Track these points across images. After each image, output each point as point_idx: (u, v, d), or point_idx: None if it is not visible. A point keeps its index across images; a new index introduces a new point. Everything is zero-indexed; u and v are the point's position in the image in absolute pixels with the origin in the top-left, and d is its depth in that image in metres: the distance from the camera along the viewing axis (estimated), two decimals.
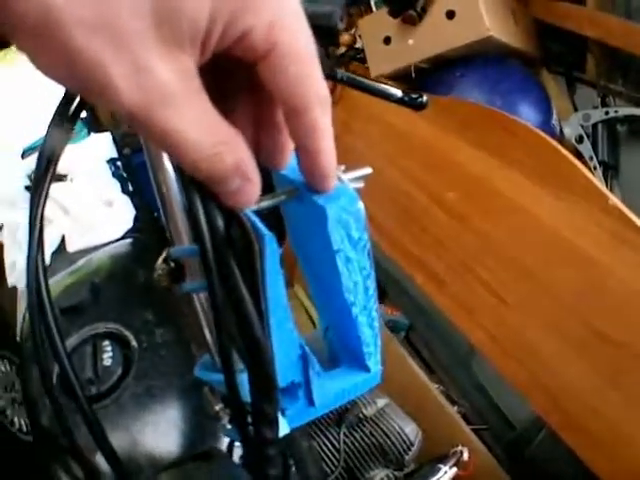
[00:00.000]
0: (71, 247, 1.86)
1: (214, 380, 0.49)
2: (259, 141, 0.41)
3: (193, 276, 0.44)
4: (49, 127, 0.48)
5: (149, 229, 1.78)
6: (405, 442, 1.31)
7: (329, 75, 0.67)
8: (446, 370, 1.99)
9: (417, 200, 1.58)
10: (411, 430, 1.34)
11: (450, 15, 1.79)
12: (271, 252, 0.39)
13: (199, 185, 0.37)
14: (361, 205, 0.44)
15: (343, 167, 0.46)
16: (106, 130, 2.28)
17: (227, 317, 0.41)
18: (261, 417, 0.44)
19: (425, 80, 1.96)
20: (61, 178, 1.98)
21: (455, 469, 1.28)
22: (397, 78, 1.99)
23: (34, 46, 0.31)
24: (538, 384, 1.32)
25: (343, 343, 0.54)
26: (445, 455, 1.31)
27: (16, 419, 2.43)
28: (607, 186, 1.93)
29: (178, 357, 0.89)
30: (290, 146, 0.43)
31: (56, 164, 0.49)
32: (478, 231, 1.46)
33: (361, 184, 0.46)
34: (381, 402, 1.37)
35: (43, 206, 0.47)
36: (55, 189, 1.98)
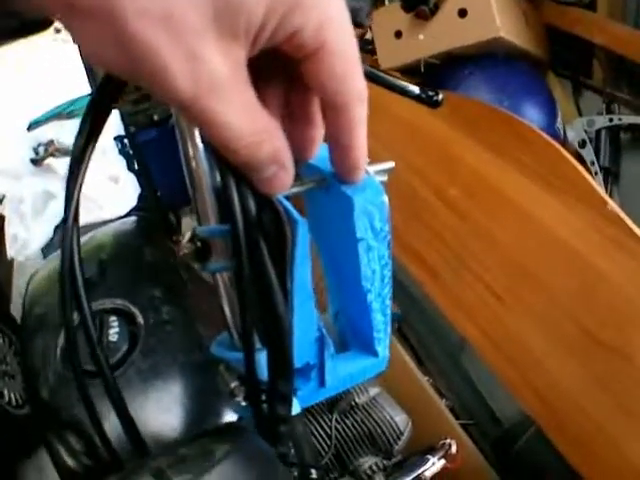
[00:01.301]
0: None
1: (231, 358, 0.50)
2: (290, 132, 0.43)
3: (219, 256, 0.46)
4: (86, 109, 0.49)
5: (153, 208, 1.78)
6: (395, 431, 1.33)
7: None
8: (436, 363, 2.00)
9: (420, 193, 1.59)
10: (401, 420, 1.35)
11: (462, 13, 1.81)
12: (302, 237, 0.41)
13: (234, 169, 0.39)
14: (385, 198, 0.46)
15: (368, 160, 0.47)
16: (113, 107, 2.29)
17: (251, 297, 0.43)
18: (277, 395, 0.46)
19: (434, 75, 1.98)
20: (68, 153, 2.00)
21: (443, 461, 1.29)
22: (406, 72, 2.01)
23: (88, 29, 0.33)
24: (527, 382, 1.34)
25: (354, 328, 0.56)
26: (433, 447, 1.33)
27: (6, 392, 2.44)
28: (607, 192, 1.95)
29: (184, 335, 0.90)
30: (320, 138, 0.45)
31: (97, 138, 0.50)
32: (478, 228, 1.47)
33: (385, 177, 0.48)
34: (373, 391, 1.38)
35: (82, 181, 0.49)
36: (61, 164, 2.00)
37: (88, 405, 0.57)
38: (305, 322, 0.46)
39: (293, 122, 0.44)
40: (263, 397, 0.49)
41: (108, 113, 0.48)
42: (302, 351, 0.47)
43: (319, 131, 0.45)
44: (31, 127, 2.45)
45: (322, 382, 0.52)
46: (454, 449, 1.32)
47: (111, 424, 0.60)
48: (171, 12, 0.31)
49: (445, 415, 1.72)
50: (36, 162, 2.06)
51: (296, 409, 0.50)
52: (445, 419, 1.71)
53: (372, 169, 0.47)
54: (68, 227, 0.49)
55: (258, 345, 0.47)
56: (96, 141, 0.49)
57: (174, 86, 0.33)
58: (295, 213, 0.41)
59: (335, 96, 0.40)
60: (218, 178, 0.45)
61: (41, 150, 2.07)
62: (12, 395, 2.44)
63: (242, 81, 0.36)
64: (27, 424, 2.44)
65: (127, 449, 0.61)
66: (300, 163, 0.43)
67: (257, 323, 0.45)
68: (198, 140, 0.45)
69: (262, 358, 0.46)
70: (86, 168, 0.48)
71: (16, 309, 2.83)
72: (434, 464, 1.27)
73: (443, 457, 1.30)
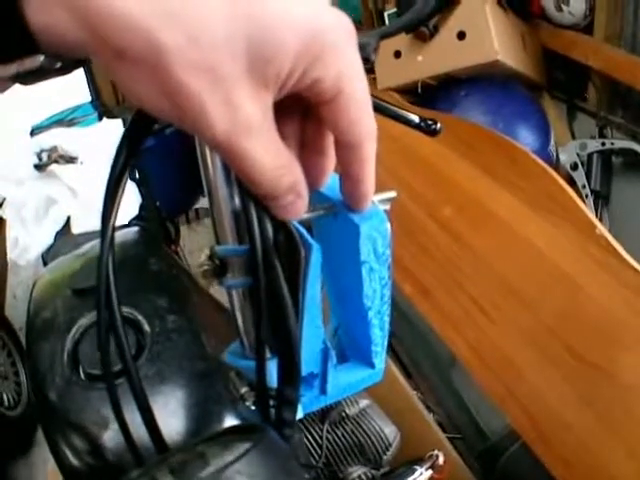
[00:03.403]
0: (76, 228, 1.90)
1: (243, 365, 0.55)
2: (303, 162, 0.47)
3: (235, 273, 0.50)
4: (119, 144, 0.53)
5: (153, 219, 1.82)
6: (384, 442, 1.35)
7: None
8: (426, 378, 2.02)
9: (412, 212, 1.62)
10: (390, 431, 1.37)
11: (461, 36, 1.85)
12: (315, 259, 0.46)
13: (255, 196, 0.44)
14: (388, 225, 0.51)
15: None
16: (115, 116, 2.32)
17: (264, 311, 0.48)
18: (284, 400, 0.51)
19: (430, 96, 2.02)
20: (71, 160, 2.03)
21: (430, 472, 1.32)
22: (403, 92, 2.05)
23: (134, 76, 0.37)
24: (514, 398, 1.37)
25: (354, 341, 0.60)
26: (421, 458, 1.35)
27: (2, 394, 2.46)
28: (597, 215, 1.98)
29: (189, 343, 0.94)
30: (331, 168, 0.50)
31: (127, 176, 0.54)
32: (468, 247, 1.51)
33: (388, 206, 0.53)
34: (363, 402, 1.40)
35: (116, 215, 0.53)
36: (64, 171, 2.03)
37: (115, 405, 0.61)
38: (313, 335, 0.51)
39: (307, 153, 0.49)
40: (271, 402, 0.53)
41: (139, 146, 0.52)
42: (308, 361, 0.52)
43: (331, 162, 0.49)
44: (34, 132, 2.48)
45: (324, 390, 0.56)
46: (441, 460, 1.35)
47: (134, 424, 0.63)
48: (213, 64, 0.36)
49: (433, 428, 1.74)
50: (40, 168, 2.09)
51: (299, 414, 0.55)
52: (433, 432, 1.73)
53: (377, 198, 0.52)
54: (104, 261, 0.53)
55: (268, 354, 0.52)
56: (128, 174, 0.53)
57: (212, 128, 0.38)
58: (309, 238, 0.46)
59: (349, 136, 0.44)
60: (237, 201, 0.49)
61: (44, 156, 2.10)
62: (5, 396, 2.47)
63: (269, 122, 0.41)
64: (20, 424, 2.46)
65: (146, 449, 0.64)
66: (311, 191, 0.48)
67: (268, 334, 0.50)
68: (219, 167, 0.49)
69: (271, 366, 0.51)
70: (120, 201, 0.53)
71: (7, 311, 2.84)
72: (421, 474, 1.29)
73: (430, 468, 1.32)
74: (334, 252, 0.53)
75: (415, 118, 0.80)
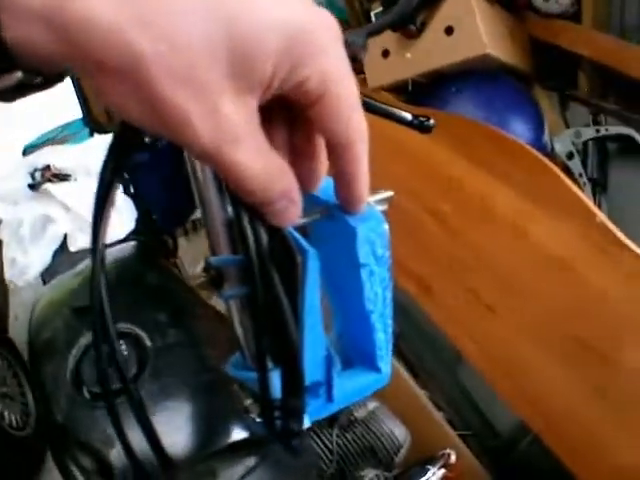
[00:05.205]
0: (73, 246, 1.89)
1: (246, 377, 0.54)
2: (295, 166, 0.46)
3: (232, 283, 0.49)
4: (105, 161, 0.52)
5: (150, 232, 1.81)
6: (395, 444, 1.35)
7: None
8: (433, 377, 2.02)
9: (411, 211, 1.61)
10: (400, 433, 1.37)
11: (449, 31, 1.84)
12: (312, 265, 0.45)
13: (247, 204, 0.43)
14: (386, 226, 0.50)
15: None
16: (107, 131, 2.31)
17: (263, 321, 0.47)
18: (289, 411, 0.50)
19: (421, 94, 2.01)
20: (65, 178, 2.02)
21: (443, 470, 1.31)
22: (393, 90, 2.04)
23: (116, 87, 0.36)
24: (523, 392, 1.36)
25: (358, 346, 0.59)
26: (433, 457, 1.35)
27: (6, 414, 2.45)
28: (595, 202, 1.97)
29: (191, 357, 0.93)
30: (323, 171, 0.49)
31: (115, 191, 0.53)
32: (469, 242, 1.50)
33: (385, 206, 0.52)
34: (372, 405, 1.40)
35: (106, 228, 0.52)
36: (58, 189, 2.02)
37: (116, 424, 0.60)
38: (314, 343, 0.49)
39: (298, 157, 0.48)
40: (276, 413, 0.52)
41: (126, 159, 0.51)
42: (312, 370, 0.51)
43: (323, 165, 0.48)
44: (26, 152, 2.47)
45: (330, 398, 0.55)
46: (453, 459, 1.34)
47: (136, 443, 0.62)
48: (194, 71, 0.35)
49: (443, 427, 1.74)
50: (33, 187, 2.08)
51: (306, 423, 0.53)
52: (443, 431, 1.72)
53: (373, 199, 0.51)
54: (96, 278, 0.52)
55: (270, 365, 0.50)
56: (117, 187, 0.52)
57: (196, 139, 0.37)
58: (305, 244, 0.45)
59: (339, 137, 0.43)
60: (229, 211, 0.48)
61: (37, 175, 2.09)
62: (12, 417, 2.46)
63: (255, 128, 0.40)
64: (27, 446, 2.45)
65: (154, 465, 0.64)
66: (305, 195, 0.46)
67: (269, 344, 0.48)
68: (209, 177, 0.48)
69: (275, 377, 0.50)
70: (109, 215, 0.52)
71: (11, 332, 2.83)
72: (434, 474, 1.29)
73: (443, 467, 1.32)
74: (333, 257, 0.52)
75: (408, 116, 0.79)
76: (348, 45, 0.57)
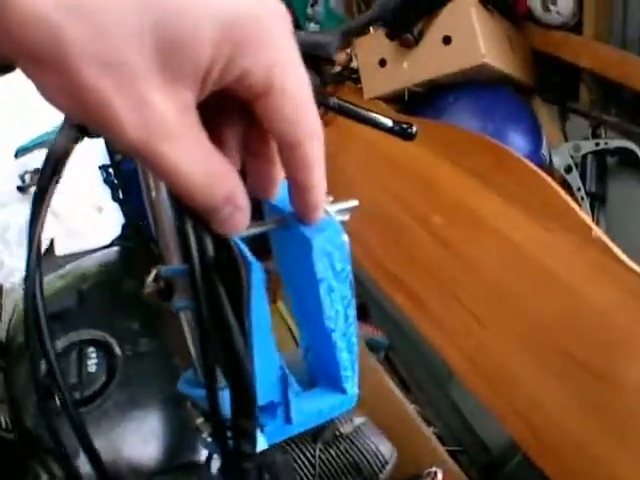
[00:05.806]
0: (59, 250, 1.87)
1: (196, 395, 0.51)
2: (249, 171, 0.43)
3: (181, 294, 0.46)
4: (57, 133, 0.50)
5: (136, 238, 1.78)
6: (380, 460, 1.32)
7: (322, 103, 0.69)
8: (423, 391, 2.00)
9: (402, 221, 1.59)
10: (386, 449, 1.35)
11: (447, 40, 1.81)
12: (257, 279, 0.41)
13: (191, 210, 0.40)
14: (345, 237, 0.46)
15: (331, 198, 0.48)
16: (98, 135, 2.29)
17: (212, 336, 0.43)
18: (240, 432, 0.47)
19: (418, 104, 1.99)
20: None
21: None
22: (390, 100, 2.01)
23: (39, 74, 0.33)
24: (514, 409, 1.34)
25: (322, 365, 0.56)
26: (419, 475, 1.33)
27: None
28: (593, 217, 1.95)
29: (161, 367, 0.91)
30: (280, 177, 0.45)
31: (61, 172, 0.51)
32: (461, 255, 1.48)
33: (347, 217, 0.48)
34: (358, 420, 1.37)
35: (44, 215, 0.49)
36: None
37: (56, 440, 0.58)
38: (266, 361, 0.46)
39: (254, 161, 0.45)
40: (228, 434, 0.49)
41: (67, 155, 0.49)
42: (265, 389, 0.47)
43: (280, 170, 0.45)
44: (18, 154, 2.45)
45: (288, 419, 0.52)
46: (440, 477, 1.32)
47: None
48: (118, 57, 0.32)
49: (432, 443, 1.72)
50: (23, 189, 2.06)
51: (262, 445, 0.50)
52: (432, 447, 1.71)
53: (333, 209, 0.47)
54: (31, 269, 0.49)
55: (223, 383, 0.47)
56: (57, 182, 0.49)
57: (122, 130, 0.34)
58: (249, 255, 0.41)
59: (285, 136, 0.40)
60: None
61: (27, 178, 2.07)
62: (2, 418, 2.43)
63: (191, 124, 0.36)
64: (17, 448, 2.42)
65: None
66: (263, 202, 0.43)
67: (220, 361, 0.45)
68: (160, 183, 0.45)
69: (226, 396, 0.46)
70: (47, 208, 0.49)
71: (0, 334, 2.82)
72: None
73: None
74: (293, 270, 0.48)
75: (388, 122, 0.75)
76: (322, 46, 0.55)
